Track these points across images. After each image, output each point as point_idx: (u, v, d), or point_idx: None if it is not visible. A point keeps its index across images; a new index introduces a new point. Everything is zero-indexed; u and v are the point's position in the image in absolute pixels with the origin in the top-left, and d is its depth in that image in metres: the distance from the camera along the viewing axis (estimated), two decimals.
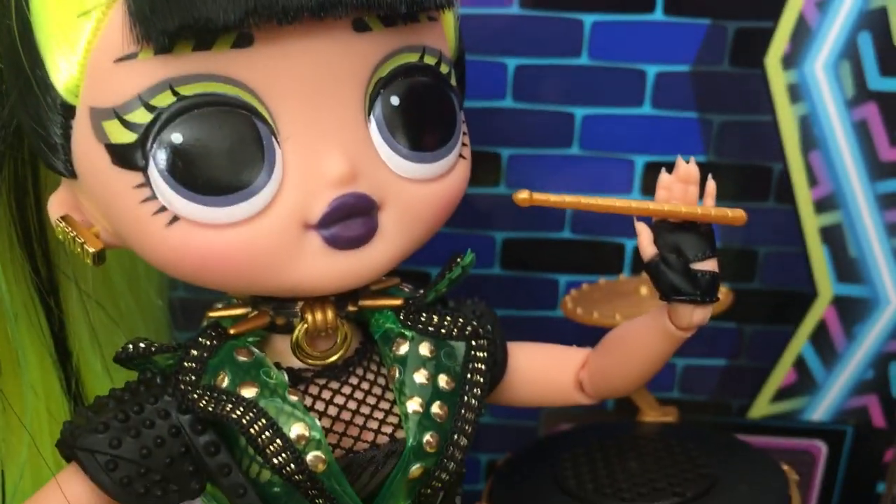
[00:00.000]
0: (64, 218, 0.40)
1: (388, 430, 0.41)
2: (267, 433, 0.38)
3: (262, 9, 0.34)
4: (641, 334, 0.43)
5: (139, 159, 0.36)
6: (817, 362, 0.72)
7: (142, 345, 0.41)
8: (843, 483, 0.75)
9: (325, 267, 0.38)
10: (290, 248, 0.38)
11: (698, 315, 0.41)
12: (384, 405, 0.42)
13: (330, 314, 0.41)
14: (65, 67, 0.36)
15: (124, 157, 0.36)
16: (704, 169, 0.60)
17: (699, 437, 0.55)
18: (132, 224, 0.37)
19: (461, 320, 0.43)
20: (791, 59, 0.64)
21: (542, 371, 0.46)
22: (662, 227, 0.41)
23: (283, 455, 0.38)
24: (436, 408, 0.41)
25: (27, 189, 0.43)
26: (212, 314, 0.42)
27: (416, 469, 0.41)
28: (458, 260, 0.45)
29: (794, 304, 0.70)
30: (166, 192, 0.36)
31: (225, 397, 0.39)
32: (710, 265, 0.40)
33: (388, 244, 0.39)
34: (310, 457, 0.38)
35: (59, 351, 0.47)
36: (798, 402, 0.73)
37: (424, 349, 0.42)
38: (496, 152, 0.66)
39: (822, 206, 0.68)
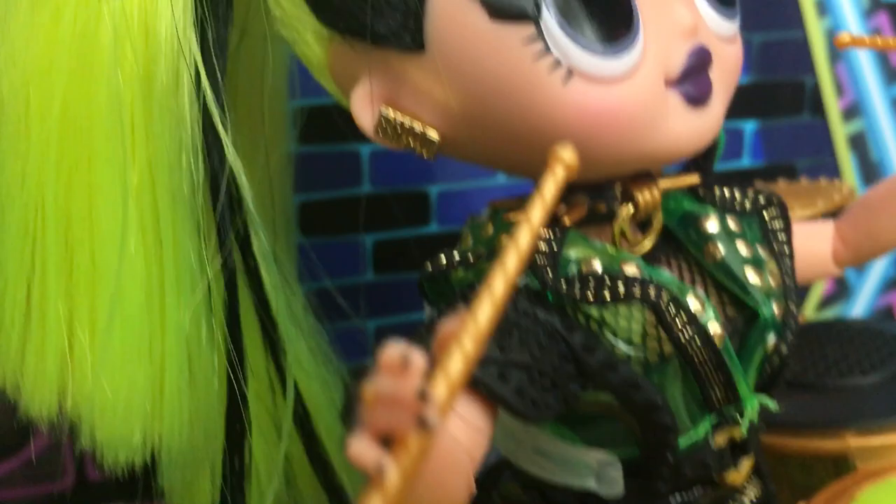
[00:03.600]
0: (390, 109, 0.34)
1: (721, 311, 0.39)
2: (672, 307, 0.34)
3: None
4: None
5: (530, 7, 0.32)
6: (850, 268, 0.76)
7: (444, 256, 0.36)
8: None
9: (685, 126, 0.36)
10: (661, 106, 0.35)
11: None
12: (700, 289, 0.39)
13: (656, 191, 0.38)
14: None
15: (509, 6, 0.32)
16: (748, 88, 0.63)
17: (844, 324, 0.57)
18: (519, 89, 0.32)
19: (750, 192, 0.41)
20: None
21: (804, 244, 0.45)
22: None
23: (689, 328, 0.35)
24: (770, 277, 0.39)
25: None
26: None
27: (771, 342, 0.38)
28: (718, 138, 0.43)
29: (829, 213, 0.74)
30: (562, 42, 0.32)
31: (610, 280, 0.35)
32: None
33: (719, 103, 0.37)
34: (712, 328, 0.35)
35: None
36: (836, 309, 0.76)
37: (731, 224, 0.40)
38: None
39: (848, 114, 0.72)
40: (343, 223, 0.59)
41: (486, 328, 0.22)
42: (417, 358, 0.20)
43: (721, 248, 0.39)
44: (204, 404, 0.38)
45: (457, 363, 0.21)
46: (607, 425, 0.37)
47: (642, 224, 0.39)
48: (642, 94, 0.34)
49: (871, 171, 0.74)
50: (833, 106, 0.72)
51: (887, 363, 0.51)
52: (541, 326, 0.34)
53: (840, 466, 0.46)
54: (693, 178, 0.41)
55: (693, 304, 0.35)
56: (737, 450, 0.39)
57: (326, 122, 0.51)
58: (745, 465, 0.39)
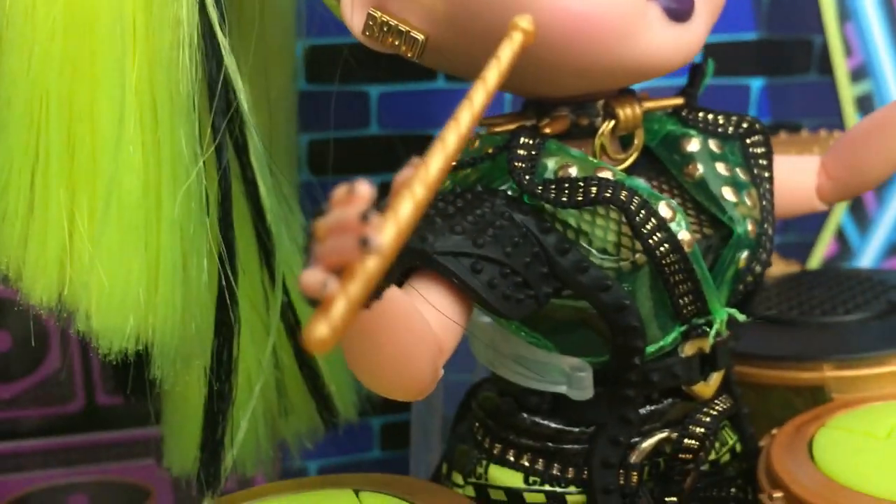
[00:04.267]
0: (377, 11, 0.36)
1: (697, 227, 0.40)
2: (643, 211, 0.36)
3: None
4: None
5: None
6: (854, 230, 0.76)
7: None
8: None
9: (666, 39, 0.37)
10: (639, 18, 0.36)
11: None
12: (687, 208, 0.40)
13: (637, 108, 0.39)
14: None
15: None
16: (756, 44, 0.63)
17: (838, 272, 0.58)
18: None
19: (734, 117, 0.42)
20: None
21: (786, 181, 0.45)
22: None
23: (659, 234, 0.36)
24: (746, 197, 0.40)
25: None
26: (501, 128, 0.39)
27: (743, 258, 0.39)
28: (705, 65, 0.44)
29: None
30: None
31: (583, 184, 0.36)
32: None
33: (702, 22, 0.38)
34: (680, 235, 0.36)
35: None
36: None
37: (713, 145, 0.41)
38: None
39: (856, 75, 0.72)
40: (350, 163, 0.60)
41: (436, 177, 0.23)
42: (363, 187, 0.22)
43: (700, 168, 0.40)
44: (196, 299, 0.39)
45: (406, 205, 0.22)
46: (581, 332, 0.38)
47: (625, 143, 0.41)
48: (621, 2, 0.35)
49: None
50: (841, 66, 0.72)
51: (871, 304, 0.52)
52: (516, 227, 0.35)
53: (817, 397, 0.47)
54: (677, 101, 0.42)
55: (664, 210, 0.37)
56: (706, 363, 0.40)
57: (335, 62, 0.52)
58: (715, 378, 0.40)
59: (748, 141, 0.42)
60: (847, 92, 0.73)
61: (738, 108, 0.71)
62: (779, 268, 0.61)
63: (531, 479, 0.40)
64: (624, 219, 0.36)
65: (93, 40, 0.36)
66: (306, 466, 0.66)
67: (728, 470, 0.43)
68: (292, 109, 0.50)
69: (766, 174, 0.42)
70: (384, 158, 0.61)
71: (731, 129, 0.42)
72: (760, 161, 0.42)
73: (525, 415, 0.40)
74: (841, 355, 0.47)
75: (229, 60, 0.37)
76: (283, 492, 0.39)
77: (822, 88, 0.72)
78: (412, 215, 0.22)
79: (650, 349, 0.38)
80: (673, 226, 0.36)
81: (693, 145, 0.41)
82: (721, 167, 0.40)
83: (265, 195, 0.41)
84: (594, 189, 0.36)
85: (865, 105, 0.73)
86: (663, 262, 0.36)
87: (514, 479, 0.40)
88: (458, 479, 0.42)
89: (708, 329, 0.39)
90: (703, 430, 0.39)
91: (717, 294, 0.38)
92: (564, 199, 0.36)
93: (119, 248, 0.38)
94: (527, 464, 0.40)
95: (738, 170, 0.41)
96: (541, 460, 0.40)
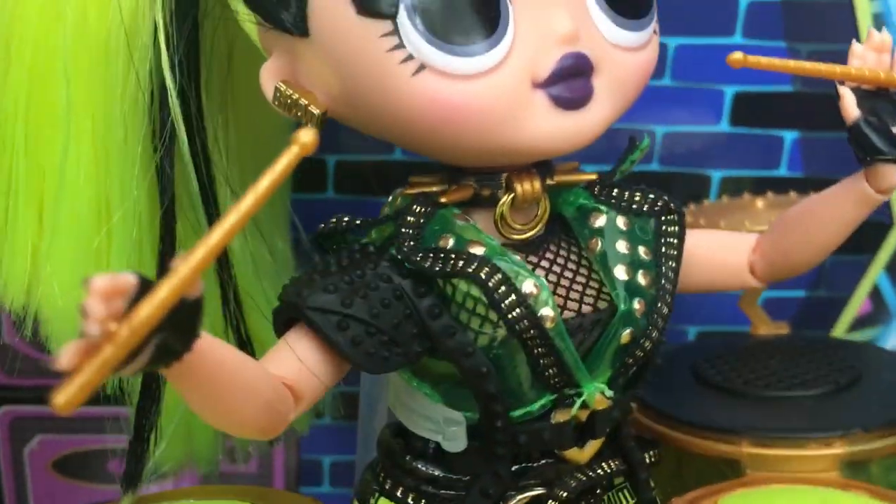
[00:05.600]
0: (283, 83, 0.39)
1: (591, 300, 0.42)
2: (503, 287, 0.38)
3: None
4: (833, 204, 0.44)
5: (388, 7, 0.36)
6: (891, 291, 0.74)
7: (346, 219, 0.41)
8: None
9: (552, 126, 0.39)
10: (523, 105, 0.38)
11: None
12: (581, 279, 0.42)
13: (537, 184, 0.41)
14: None
15: (372, 5, 0.36)
16: (792, 96, 0.62)
17: (824, 341, 0.57)
18: (376, 77, 0.37)
19: (651, 196, 0.44)
20: None
21: (716, 254, 0.46)
22: (858, 93, 0.42)
23: (519, 310, 0.38)
24: (640, 276, 0.42)
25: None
26: (411, 190, 0.42)
27: (626, 334, 0.41)
28: (637, 143, 0.45)
29: (872, 233, 0.72)
30: (414, 40, 0.36)
31: (454, 256, 0.39)
32: None
33: (602, 109, 0.40)
34: (542, 312, 0.39)
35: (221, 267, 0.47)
36: (873, 332, 0.75)
37: (621, 222, 0.43)
38: None
39: None
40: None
41: (196, 270, 0.27)
42: (96, 281, 0.26)
43: (600, 244, 0.42)
44: None
45: (165, 287, 0.26)
46: (456, 388, 0.41)
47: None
48: (500, 91, 0.37)
49: None
50: None
51: (820, 381, 0.51)
52: (392, 289, 0.39)
53: (734, 472, 0.48)
54: (589, 176, 0.44)
55: (528, 287, 0.39)
56: (584, 431, 0.42)
57: None
58: (592, 445, 0.42)
59: (662, 219, 0.44)
60: None
61: (770, 161, 0.71)
62: (766, 329, 0.61)
63: None
64: (483, 293, 0.38)
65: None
66: (321, 460, 0.72)
67: None
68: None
69: (674, 253, 0.43)
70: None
71: (645, 206, 0.44)
72: (671, 240, 0.43)
73: (409, 458, 0.43)
74: (761, 432, 0.47)
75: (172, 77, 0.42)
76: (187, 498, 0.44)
77: None
78: (170, 296, 0.26)
79: (517, 413, 0.41)
80: (535, 303, 0.39)
81: (600, 220, 0.43)
82: (622, 245, 0.42)
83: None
84: (460, 262, 0.38)
85: None
86: (524, 336, 0.39)
87: None
88: None
89: (577, 399, 0.41)
90: (565, 493, 0.41)
91: (583, 369, 0.40)
92: (436, 268, 0.38)
93: (73, 263, 0.44)
94: (410, 502, 0.43)
95: (641, 248, 0.42)
96: (421, 500, 0.43)
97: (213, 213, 0.44)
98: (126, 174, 0.42)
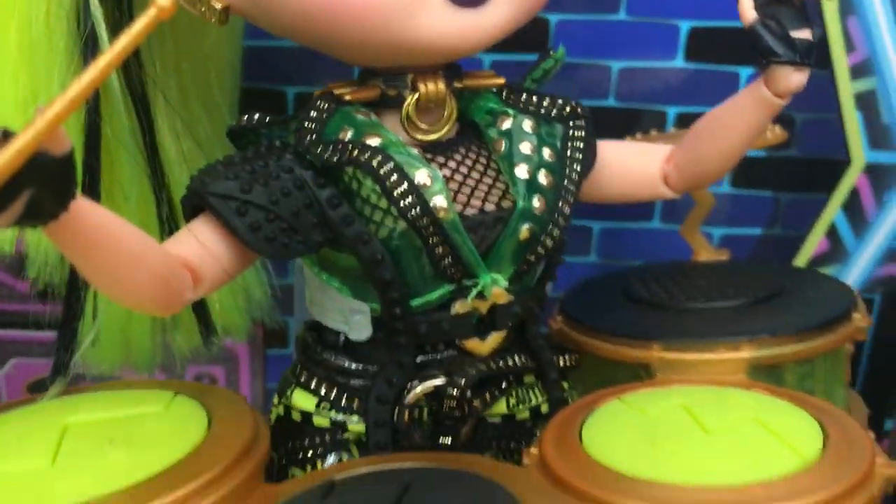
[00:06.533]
0: None
1: (495, 199, 0.43)
2: (395, 175, 0.40)
3: None
4: (737, 110, 0.45)
5: None
6: (848, 231, 0.74)
7: (256, 116, 0.43)
8: (871, 349, 0.78)
9: (447, 23, 0.40)
10: (418, 1, 0.39)
11: (795, 79, 0.43)
12: (487, 179, 0.44)
13: (441, 84, 0.43)
14: None
15: None
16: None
17: (759, 263, 0.58)
18: None
19: (560, 101, 0.45)
20: None
21: (630, 164, 0.48)
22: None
23: (411, 198, 0.40)
24: (542, 176, 0.43)
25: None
26: (321, 91, 0.44)
27: (525, 230, 0.42)
28: (551, 52, 0.47)
29: (829, 171, 0.73)
30: None
31: (351, 146, 0.40)
32: (805, 34, 0.43)
33: (500, 10, 0.41)
34: (434, 201, 0.40)
35: (154, 173, 0.48)
36: (829, 271, 0.75)
37: (527, 125, 0.44)
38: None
39: (857, 71, 0.70)
40: None
41: (52, 122, 0.29)
42: None
43: (504, 144, 0.43)
44: None
45: (23, 137, 0.28)
46: (361, 282, 0.43)
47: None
48: None
49: (880, 133, 0.72)
50: (841, 61, 0.71)
51: (740, 295, 0.52)
52: (294, 180, 0.41)
53: (646, 375, 0.49)
54: (497, 80, 0.45)
55: (421, 177, 0.40)
56: (485, 323, 0.44)
57: None
58: (493, 338, 0.44)
59: (570, 124, 0.45)
60: (847, 88, 0.71)
61: (725, 95, 0.72)
62: (707, 255, 0.62)
63: (322, 405, 0.45)
64: (376, 182, 0.40)
65: None
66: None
67: (530, 427, 0.46)
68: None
69: (580, 156, 0.44)
70: None
71: (553, 111, 0.45)
72: (577, 144, 0.45)
73: (321, 349, 0.45)
74: (672, 337, 0.48)
75: None
76: (112, 389, 0.46)
77: (818, 83, 0.71)
78: (26, 145, 0.28)
79: (416, 302, 0.42)
80: (426, 193, 0.40)
81: (507, 123, 0.44)
82: (526, 146, 0.43)
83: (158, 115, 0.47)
84: (355, 152, 0.40)
85: (867, 103, 0.71)
86: (417, 225, 0.40)
87: (308, 403, 0.45)
88: (276, 399, 0.47)
89: (474, 290, 0.42)
90: (464, 380, 0.43)
91: (480, 261, 0.42)
92: (334, 158, 0.40)
93: None
94: (322, 391, 0.45)
95: (546, 150, 0.44)
96: (332, 390, 0.45)
97: (141, 113, 0.46)
98: (51, 70, 0.44)
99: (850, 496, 0.36)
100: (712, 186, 0.67)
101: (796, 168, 0.73)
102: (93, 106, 0.45)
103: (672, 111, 0.71)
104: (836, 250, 0.74)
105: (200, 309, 0.52)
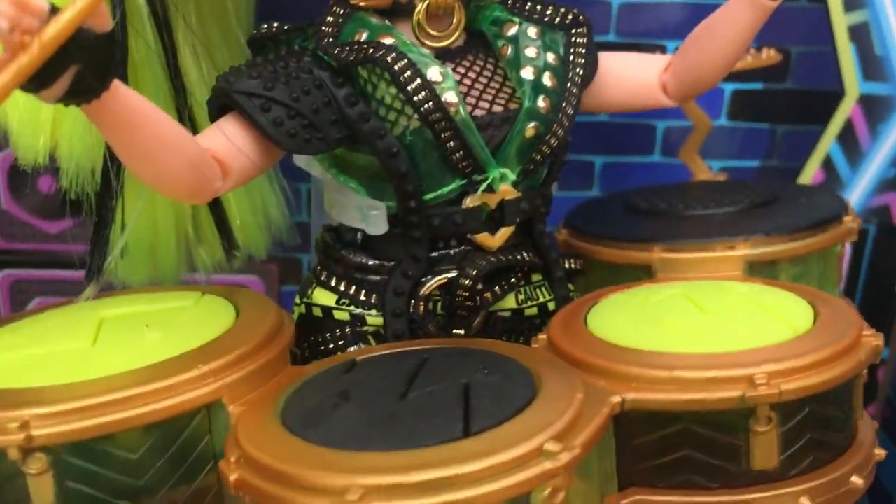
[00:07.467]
0: None
1: (503, 101, 0.46)
2: (409, 71, 0.42)
3: None
4: (731, 14, 0.47)
5: None
6: (843, 161, 0.76)
7: (276, 25, 0.45)
8: (865, 279, 0.80)
9: None
10: None
11: None
12: (495, 84, 0.46)
13: None
14: None
15: None
16: None
17: (755, 180, 0.60)
18: None
19: (562, 10, 0.48)
20: None
21: (630, 73, 0.50)
22: None
23: (424, 93, 0.42)
24: (546, 78, 0.46)
25: None
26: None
27: (530, 128, 0.45)
28: None
29: (824, 103, 0.75)
30: None
31: (366, 45, 0.43)
32: None
33: None
34: (446, 96, 0.43)
35: (177, 93, 0.51)
36: None
37: (532, 31, 0.47)
38: None
39: (851, 4, 0.72)
40: None
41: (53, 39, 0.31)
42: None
43: (510, 49, 0.46)
44: None
45: (69, 11, 0.31)
46: (377, 181, 0.45)
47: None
48: None
49: (873, 65, 0.74)
50: None
51: (736, 202, 0.55)
52: (313, 80, 0.43)
53: (648, 276, 0.51)
54: None
55: (433, 74, 0.43)
56: (495, 218, 0.46)
57: None
58: (502, 233, 0.46)
59: (573, 31, 0.47)
60: (840, 20, 0.73)
61: None
62: (705, 176, 0.64)
63: (341, 300, 0.48)
64: (391, 78, 0.42)
65: None
66: None
67: (539, 324, 0.49)
68: None
69: (582, 61, 0.47)
70: None
71: (557, 19, 0.47)
72: (579, 49, 0.47)
73: (339, 247, 0.48)
74: (672, 239, 0.51)
75: None
76: (148, 292, 0.49)
77: (812, 15, 0.73)
78: (73, 19, 0.31)
79: (430, 196, 0.45)
80: (439, 88, 0.43)
81: (512, 30, 0.47)
82: (531, 50, 0.46)
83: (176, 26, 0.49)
84: (370, 50, 0.42)
85: (861, 35, 0.73)
86: (429, 118, 0.43)
87: (329, 299, 0.48)
88: (297, 299, 0.50)
89: (485, 184, 0.45)
90: (475, 271, 0.45)
91: (489, 156, 0.44)
92: (350, 58, 0.43)
93: None
94: (342, 288, 0.48)
95: (550, 54, 0.46)
96: (351, 286, 0.48)
97: (165, 36, 0.48)
98: None
99: (838, 360, 0.39)
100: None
101: (792, 100, 0.75)
102: (120, 25, 0.47)
103: (671, 46, 0.73)
104: (831, 180, 0.76)
105: (222, 224, 0.54)
